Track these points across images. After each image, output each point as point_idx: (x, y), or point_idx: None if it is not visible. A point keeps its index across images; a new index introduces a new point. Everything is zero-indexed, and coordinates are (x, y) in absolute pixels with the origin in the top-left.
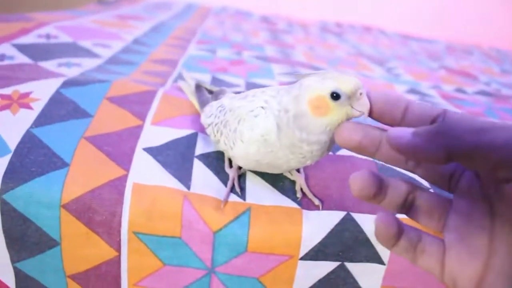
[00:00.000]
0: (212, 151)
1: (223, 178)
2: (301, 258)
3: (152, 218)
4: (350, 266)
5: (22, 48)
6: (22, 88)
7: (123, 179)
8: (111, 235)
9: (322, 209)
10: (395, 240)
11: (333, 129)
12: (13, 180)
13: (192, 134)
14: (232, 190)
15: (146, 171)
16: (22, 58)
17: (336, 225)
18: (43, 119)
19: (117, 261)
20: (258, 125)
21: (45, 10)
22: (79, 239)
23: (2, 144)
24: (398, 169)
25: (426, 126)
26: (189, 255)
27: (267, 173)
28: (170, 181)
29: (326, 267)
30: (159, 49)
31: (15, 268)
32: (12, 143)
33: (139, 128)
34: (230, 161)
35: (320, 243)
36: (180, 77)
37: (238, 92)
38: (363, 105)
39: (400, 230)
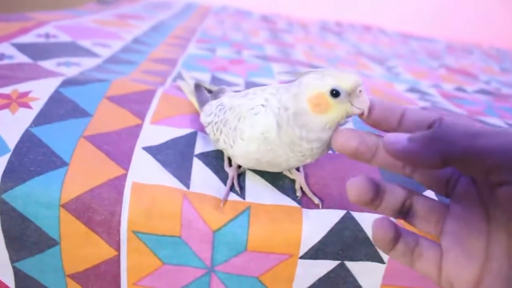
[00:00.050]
0: (211, 150)
1: (223, 177)
2: (301, 257)
3: (151, 217)
4: (350, 265)
5: (21, 48)
6: (21, 87)
7: (122, 179)
8: (111, 234)
9: (322, 207)
10: (393, 245)
11: (333, 126)
12: (12, 179)
13: (192, 133)
14: (232, 189)
15: (145, 170)
16: (21, 58)
17: (336, 224)
18: (42, 118)
19: (116, 260)
20: (258, 123)
21: (45, 9)
22: (79, 238)
23: (1, 143)
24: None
25: (422, 131)
26: (188, 254)
27: (267, 172)
28: (169, 180)
29: (326, 266)
30: (158, 49)
31: (14, 268)
32: (11, 142)
33: (139, 127)
34: (229, 160)
35: (320, 242)
36: (179, 76)
37: (238, 91)
38: (363, 103)
39: (397, 234)
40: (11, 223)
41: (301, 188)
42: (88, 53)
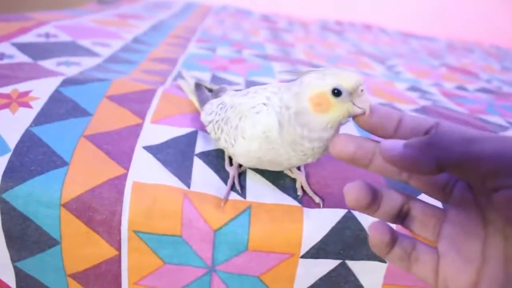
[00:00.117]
0: (212, 149)
1: (223, 176)
2: (302, 256)
3: (152, 216)
4: (351, 264)
5: (21, 47)
6: (22, 87)
7: (123, 178)
8: (111, 234)
9: (323, 207)
10: (389, 248)
11: (334, 126)
12: (12, 179)
13: (192, 132)
14: (233, 188)
15: (146, 170)
16: (21, 57)
17: (337, 223)
18: (42, 118)
19: (117, 260)
20: (260, 121)
21: (45, 9)
22: (79, 238)
23: (1, 143)
24: None
25: (418, 137)
26: (189, 253)
27: (268, 171)
28: (170, 180)
29: (327, 265)
30: (159, 48)
31: (15, 268)
32: (12, 142)
33: (139, 126)
34: (230, 159)
35: (321, 241)
36: (179, 75)
37: (239, 90)
38: (365, 102)
39: (394, 238)
40: (11, 222)
41: (302, 187)
42: (88, 52)
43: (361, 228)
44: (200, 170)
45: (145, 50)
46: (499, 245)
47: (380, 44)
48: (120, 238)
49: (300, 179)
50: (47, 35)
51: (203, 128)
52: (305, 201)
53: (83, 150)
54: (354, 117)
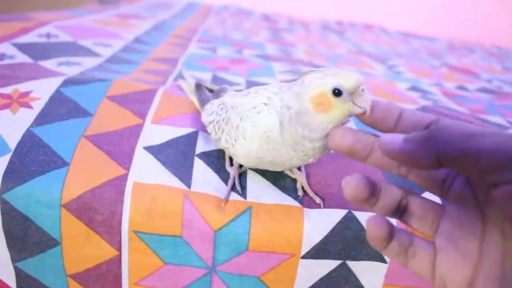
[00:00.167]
0: (212, 149)
1: (224, 177)
2: (303, 257)
3: (152, 217)
4: (351, 264)
5: (22, 48)
6: (22, 87)
7: (123, 178)
8: (112, 234)
9: (324, 207)
10: (387, 243)
11: (335, 126)
12: (13, 179)
13: (193, 132)
14: (233, 188)
15: (146, 170)
16: (22, 57)
17: (338, 224)
18: (43, 118)
19: (117, 260)
20: (261, 121)
21: (46, 9)
22: (80, 238)
23: (2, 143)
24: None
25: (417, 132)
26: (190, 254)
27: (268, 172)
28: (170, 180)
29: (328, 265)
30: (159, 48)
31: (15, 268)
32: (12, 142)
33: (140, 126)
34: (231, 159)
35: (321, 241)
36: (180, 76)
37: (240, 90)
38: (365, 102)
39: (392, 232)
40: (12, 223)
41: (302, 187)
42: (89, 52)
43: (362, 229)
44: (201, 171)
45: (146, 50)
46: (496, 241)
47: (381, 44)
48: (120, 239)
49: (301, 179)
50: (48, 35)
51: (203, 128)
52: (306, 201)
53: (84, 150)
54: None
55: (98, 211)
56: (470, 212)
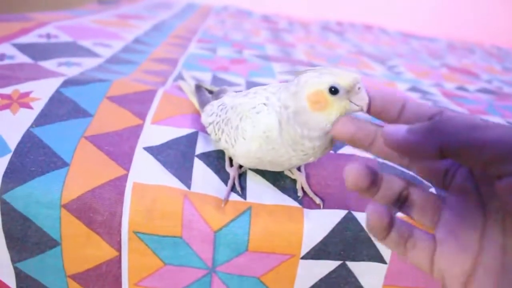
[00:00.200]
0: (212, 150)
1: (224, 177)
2: (303, 257)
3: (152, 217)
4: (351, 265)
5: (22, 48)
6: (22, 87)
7: (123, 179)
8: (112, 235)
9: (323, 208)
10: (386, 233)
11: (330, 125)
12: (13, 180)
13: (193, 133)
14: (233, 189)
15: (146, 171)
16: (22, 58)
17: (337, 224)
18: (43, 118)
19: (117, 261)
20: (260, 121)
21: (46, 10)
22: (80, 239)
23: (2, 144)
24: (396, 166)
25: (421, 123)
26: (189, 254)
27: (268, 172)
28: (170, 181)
29: (328, 266)
30: (159, 48)
31: (15, 268)
32: (12, 142)
33: (140, 127)
34: (230, 160)
35: (321, 242)
36: (180, 76)
37: (240, 91)
38: (362, 100)
39: (392, 222)
40: (12, 223)
41: (302, 188)
42: (89, 53)
43: (362, 229)
44: (201, 171)
45: (146, 50)
46: (497, 235)
47: (381, 45)
48: (120, 239)
49: (301, 180)
50: (48, 35)
51: (203, 129)
52: (306, 202)
53: (84, 151)
54: None
55: (98, 211)
56: (471, 205)
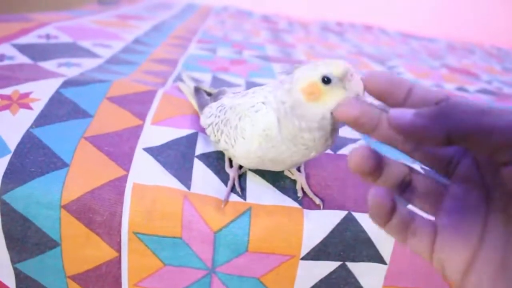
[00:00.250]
0: (212, 151)
1: (224, 178)
2: (302, 258)
3: (152, 218)
4: (351, 265)
5: (22, 48)
6: (22, 88)
7: (123, 179)
8: (111, 235)
9: (323, 208)
10: (388, 218)
11: (328, 115)
12: (13, 180)
13: (193, 133)
14: (233, 190)
15: (146, 171)
16: (22, 58)
17: (337, 225)
18: (43, 119)
19: (117, 261)
20: (259, 120)
21: (45, 10)
22: (79, 239)
23: (1, 145)
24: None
25: (428, 107)
26: (189, 255)
27: (268, 173)
28: (170, 181)
29: (328, 267)
30: (159, 49)
31: (15, 269)
32: (12, 143)
33: (139, 128)
34: (230, 160)
35: (321, 242)
36: (179, 77)
37: (238, 92)
38: (356, 86)
39: (394, 207)
40: (12, 224)
41: (302, 188)
42: (89, 53)
43: (362, 230)
44: (200, 172)
45: (146, 51)
46: (499, 225)
47: (381, 45)
48: (120, 240)
49: (300, 180)
50: (47, 36)
51: (203, 129)
52: (305, 202)
53: (84, 151)
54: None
55: (98, 212)
56: (474, 194)
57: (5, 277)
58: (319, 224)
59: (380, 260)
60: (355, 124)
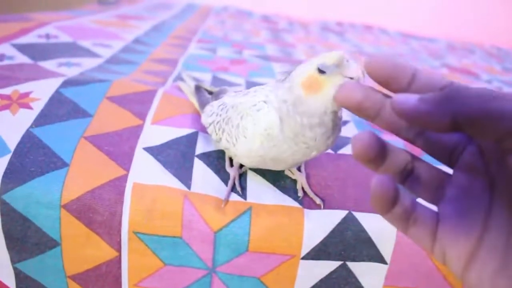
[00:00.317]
0: (212, 150)
1: (224, 177)
2: (303, 258)
3: (152, 218)
4: (352, 265)
5: (22, 48)
6: (22, 88)
7: (123, 179)
8: (112, 235)
9: (324, 208)
10: (390, 207)
11: (333, 109)
12: (13, 180)
13: (193, 133)
14: (233, 189)
15: (146, 171)
16: (22, 58)
17: (338, 225)
18: (43, 119)
19: (117, 261)
20: (261, 119)
21: (45, 10)
22: (80, 239)
23: (1, 144)
24: None
25: (433, 92)
26: (189, 255)
27: (268, 172)
28: (170, 181)
29: (328, 266)
30: (159, 49)
31: (15, 269)
32: (12, 143)
33: (140, 127)
34: (230, 160)
35: (321, 242)
36: (179, 77)
37: (239, 91)
38: (354, 70)
39: (397, 195)
40: (12, 224)
41: (302, 188)
42: (89, 53)
43: (362, 229)
44: (201, 171)
45: (146, 51)
46: (503, 215)
47: (381, 45)
48: (120, 239)
49: (301, 180)
50: (47, 36)
51: (203, 129)
52: (306, 202)
53: (84, 151)
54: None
55: (98, 212)
56: (478, 183)
57: (5, 277)
58: (319, 223)
59: (381, 260)
60: (358, 109)
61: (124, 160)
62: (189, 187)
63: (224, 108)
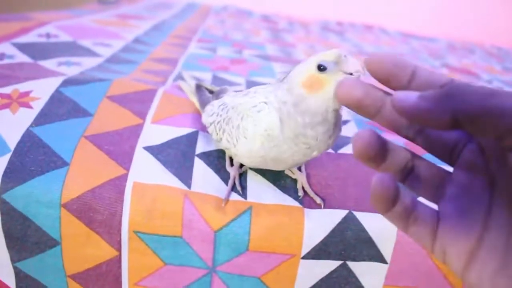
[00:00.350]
0: (213, 149)
1: (224, 177)
2: (303, 257)
3: (152, 217)
4: (352, 265)
5: (22, 47)
6: (22, 87)
7: (123, 178)
8: (112, 234)
9: (324, 207)
10: (391, 205)
11: (335, 107)
12: (13, 179)
13: (193, 132)
14: (233, 188)
15: (146, 170)
16: (22, 57)
17: (338, 224)
18: (43, 118)
19: (117, 260)
20: (261, 120)
21: (45, 9)
22: (80, 238)
23: (1, 143)
24: None
25: (434, 90)
26: (190, 254)
27: (269, 172)
28: (170, 180)
29: (328, 266)
30: (159, 48)
31: (15, 268)
32: (12, 142)
33: (140, 126)
34: (231, 159)
35: (322, 242)
36: (180, 76)
37: (240, 91)
38: (354, 65)
39: (397, 194)
40: (12, 223)
41: (303, 188)
42: (89, 52)
43: (362, 229)
44: (201, 171)
45: (146, 50)
46: (503, 215)
47: (381, 45)
48: (120, 239)
49: (301, 179)
50: (48, 35)
51: (204, 128)
52: (306, 201)
53: (84, 150)
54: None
55: (98, 211)
56: (478, 182)
57: (5, 276)
58: (319, 223)
59: (381, 260)
60: (359, 107)
61: (124, 159)
62: (189, 186)
63: (224, 108)
